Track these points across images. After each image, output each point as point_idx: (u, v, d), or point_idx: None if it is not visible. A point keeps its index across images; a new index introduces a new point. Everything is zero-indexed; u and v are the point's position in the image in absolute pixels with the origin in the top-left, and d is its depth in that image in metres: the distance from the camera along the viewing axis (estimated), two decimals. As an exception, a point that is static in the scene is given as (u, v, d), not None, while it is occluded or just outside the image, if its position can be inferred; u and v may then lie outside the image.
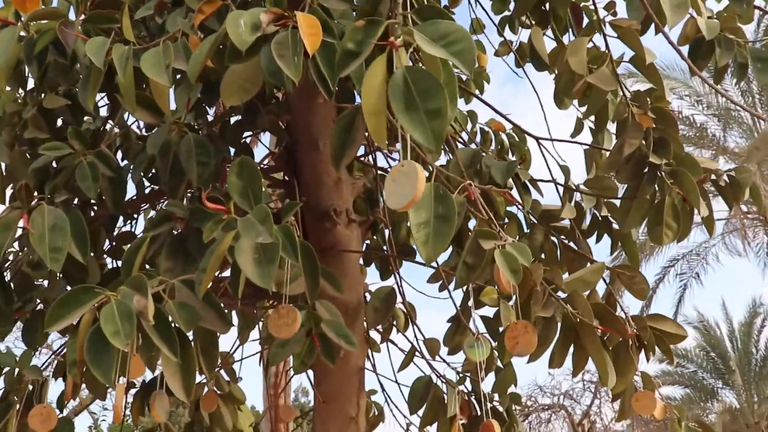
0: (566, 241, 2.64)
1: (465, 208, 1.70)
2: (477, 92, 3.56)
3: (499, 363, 2.76)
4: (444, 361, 2.54)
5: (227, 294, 2.58)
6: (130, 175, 2.28)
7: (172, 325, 1.65)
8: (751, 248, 13.70)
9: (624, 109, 1.92)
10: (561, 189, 2.56)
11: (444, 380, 2.37)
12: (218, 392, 3.20)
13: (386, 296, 2.45)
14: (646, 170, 1.97)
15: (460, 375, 2.44)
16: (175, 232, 1.99)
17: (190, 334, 1.71)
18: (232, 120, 2.62)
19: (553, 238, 2.65)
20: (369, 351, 3.34)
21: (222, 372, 3.28)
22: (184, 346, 1.71)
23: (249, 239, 1.56)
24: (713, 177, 2.27)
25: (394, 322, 3.19)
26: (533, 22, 2.40)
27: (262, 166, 2.70)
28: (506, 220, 2.93)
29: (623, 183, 2.03)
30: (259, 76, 1.67)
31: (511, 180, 2.28)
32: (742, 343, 18.06)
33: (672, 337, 2.52)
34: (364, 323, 2.62)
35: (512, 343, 1.63)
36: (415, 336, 2.73)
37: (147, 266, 2.58)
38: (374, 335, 3.22)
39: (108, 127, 2.43)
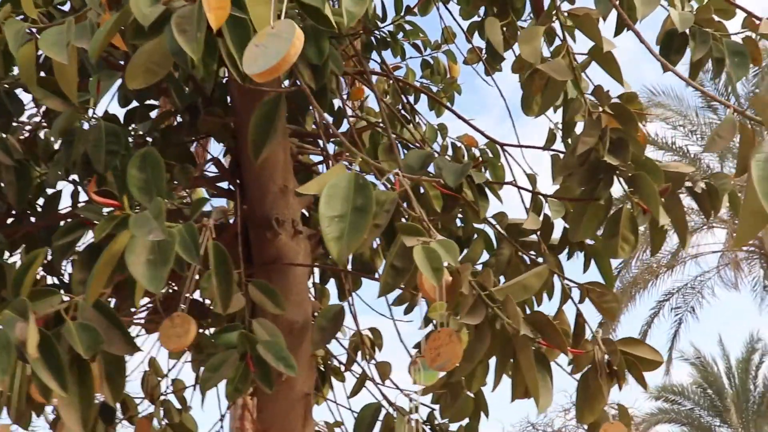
0: (536, 258, 2.42)
1: (395, 204, 1.49)
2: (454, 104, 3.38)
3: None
4: (396, 386, 2.31)
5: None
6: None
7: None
8: (747, 282, 13.47)
9: (580, 105, 1.72)
10: (528, 198, 2.36)
11: (394, 408, 2.14)
12: (166, 422, 2.97)
13: (335, 315, 2.22)
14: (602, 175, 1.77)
15: (414, 402, 2.21)
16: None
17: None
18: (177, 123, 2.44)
19: (522, 254, 2.44)
20: (332, 379, 3.11)
21: (172, 398, 3.04)
22: (82, 373, 1.51)
23: (141, 236, 1.35)
24: (688, 184, 2.06)
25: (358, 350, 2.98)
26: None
27: (206, 173, 2.49)
28: (476, 236, 2.73)
29: (577, 187, 1.82)
30: (168, 56, 1.47)
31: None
32: (739, 379, 17.76)
33: (646, 363, 2.29)
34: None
35: (433, 355, 1.41)
36: (367, 360, 2.50)
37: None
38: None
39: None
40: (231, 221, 2.37)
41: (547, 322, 1.32)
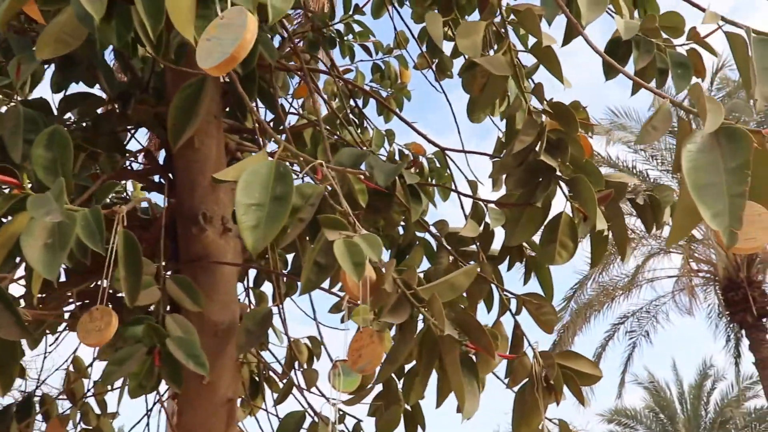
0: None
1: (320, 198, 1.42)
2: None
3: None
4: (322, 394, 2.22)
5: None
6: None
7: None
8: (702, 308, 13.59)
9: (520, 104, 1.66)
10: (470, 205, 2.29)
11: (318, 417, 2.04)
12: (84, 426, 2.85)
13: (262, 319, 2.12)
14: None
15: (341, 413, 2.11)
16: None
17: None
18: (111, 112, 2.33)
19: (461, 264, 2.37)
20: (267, 389, 3.01)
21: (92, 402, 2.91)
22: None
23: (38, 217, 1.25)
24: (631, 196, 2.01)
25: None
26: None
27: (137, 165, 2.39)
28: (417, 243, 2.66)
29: (513, 189, 1.76)
30: (81, 26, 1.38)
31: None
32: (691, 405, 17.92)
33: (585, 378, 2.23)
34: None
35: (355, 357, 1.33)
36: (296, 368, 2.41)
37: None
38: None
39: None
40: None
41: (473, 324, 1.25)
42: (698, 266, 11.95)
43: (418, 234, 2.62)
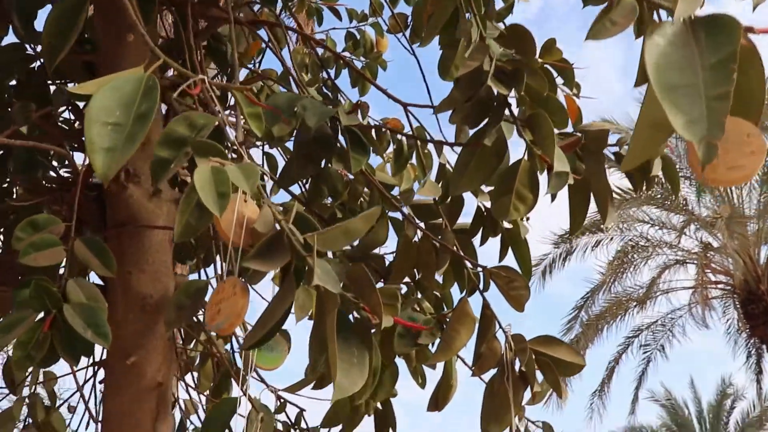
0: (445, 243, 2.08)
1: (211, 129, 1.17)
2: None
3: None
4: (262, 380, 1.95)
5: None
6: None
7: None
8: (721, 324, 13.16)
9: (470, 26, 1.39)
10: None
11: (252, 405, 1.77)
12: (31, 421, 2.59)
13: (196, 292, 1.86)
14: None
15: (281, 401, 1.85)
16: None
17: None
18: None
19: (434, 242, 2.10)
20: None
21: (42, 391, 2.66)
22: None
23: None
24: (615, 149, 1.74)
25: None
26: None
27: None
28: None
29: (459, 125, 1.49)
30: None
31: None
32: (710, 425, 17.41)
33: (564, 366, 1.96)
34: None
35: (213, 312, 1.06)
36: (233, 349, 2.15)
37: None
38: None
39: None
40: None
41: (364, 279, 0.98)
42: (716, 277, 11.55)
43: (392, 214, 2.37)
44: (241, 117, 1.30)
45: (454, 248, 1.90)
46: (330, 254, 2.43)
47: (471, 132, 1.75)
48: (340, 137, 1.77)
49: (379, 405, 2.43)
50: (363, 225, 1.04)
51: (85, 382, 2.16)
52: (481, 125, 1.45)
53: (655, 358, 12.73)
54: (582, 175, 1.62)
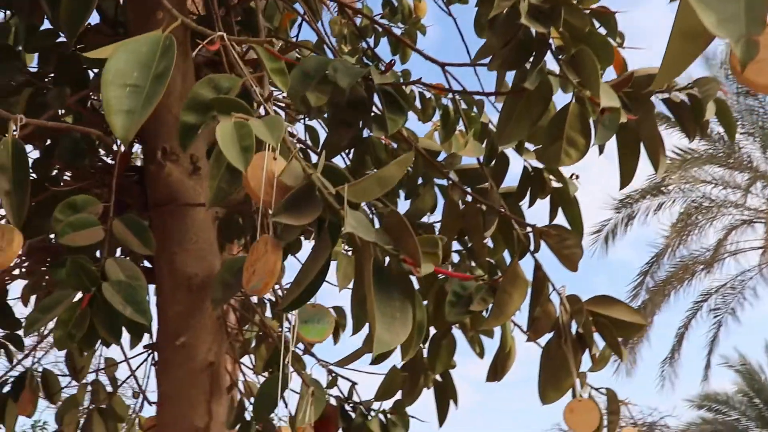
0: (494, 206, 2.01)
1: (238, 90, 1.13)
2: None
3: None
4: (313, 356, 1.91)
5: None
6: None
7: None
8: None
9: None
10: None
11: (302, 378, 1.74)
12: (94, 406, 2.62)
13: (241, 269, 1.83)
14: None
15: (333, 375, 1.81)
16: None
17: None
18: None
19: (480, 204, 2.03)
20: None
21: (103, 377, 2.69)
22: None
23: None
24: (666, 95, 1.64)
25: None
26: None
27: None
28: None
29: (498, 70, 1.41)
30: None
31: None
32: (788, 389, 16.90)
33: (624, 327, 1.87)
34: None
35: (249, 273, 1.02)
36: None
37: None
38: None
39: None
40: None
41: (401, 227, 0.92)
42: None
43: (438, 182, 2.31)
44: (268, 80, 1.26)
45: (501, 209, 1.82)
46: (377, 223, 2.38)
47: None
48: (377, 102, 1.72)
49: (438, 377, 2.39)
50: (397, 171, 0.99)
51: (138, 366, 2.17)
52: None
53: (727, 322, 12.37)
54: (630, 124, 1.53)
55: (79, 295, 1.47)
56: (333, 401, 1.82)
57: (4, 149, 1.19)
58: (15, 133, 1.23)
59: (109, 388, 2.61)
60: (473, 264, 2.31)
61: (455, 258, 2.37)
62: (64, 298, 1.47)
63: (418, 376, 2.38)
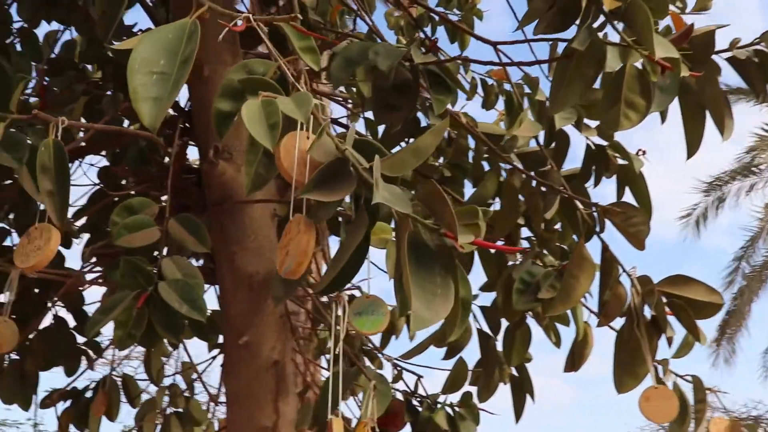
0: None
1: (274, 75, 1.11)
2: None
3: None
4: (375, 348, 1.87)
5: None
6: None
7: None
8: None
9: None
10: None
11: (363, 372, 1.70)
12: (173, 410, 2.66)
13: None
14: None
15: (398, 369, 1.76)
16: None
17: None
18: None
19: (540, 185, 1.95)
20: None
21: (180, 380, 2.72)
22: None
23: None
24: (730, 53, 1.53)
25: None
26: None
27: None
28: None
29: (547, 33, 1.33)
30: None
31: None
32: None
33: (700, 307, 1.76)
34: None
35: (282, 255, 0.98)
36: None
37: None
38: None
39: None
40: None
41: (436, 194, 0.87)
42: None
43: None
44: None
45: (562, 189, 1.74)
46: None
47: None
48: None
49: (514, 371, 2.32)
50: (432, 140, 0.94)
51: (206, 368, 2.17)
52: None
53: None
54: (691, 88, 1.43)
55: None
56: (399, 396, 1.77)
57: (45, 150, 1.19)
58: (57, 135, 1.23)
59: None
60: (545, 252, 2.24)
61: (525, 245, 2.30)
62: (123, 299, 1.48)
63: (493, 370, 2.31)
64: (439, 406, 1.63)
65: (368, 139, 0.99)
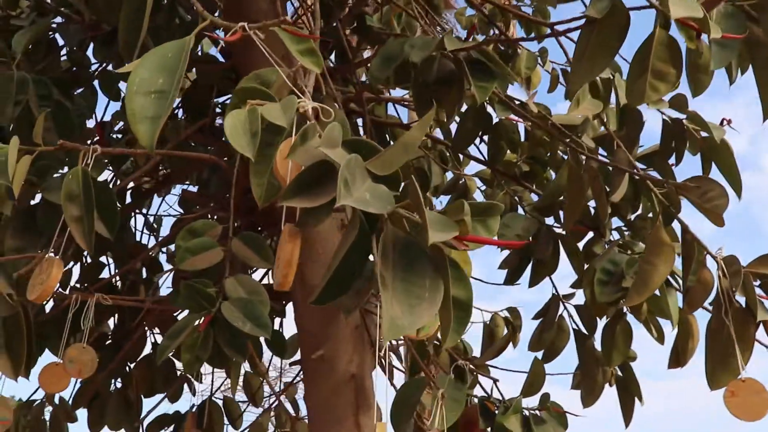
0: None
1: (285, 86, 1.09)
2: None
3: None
4: (450, 354, 1.80)
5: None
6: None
7: None
8: None
9: None
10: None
11: (433, 383, 1.63)
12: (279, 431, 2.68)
13: (370, 271, 1.78)
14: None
15: (474, 374, 1.68)
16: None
17: None
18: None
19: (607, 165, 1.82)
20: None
21: (285, 401, 2.74)
22: None
23: None
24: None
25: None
26: None
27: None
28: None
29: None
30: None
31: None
32: None
33: (798, 292, 1.58)
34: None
35: (275, 268, 0.94)
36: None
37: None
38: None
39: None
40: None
41: (413, 194, 0.80)
42: None
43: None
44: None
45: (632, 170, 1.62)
46: (521, 209, 2.24)
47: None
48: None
49: (618, 371, 2.18)
50: (419, 132, 0.88)
51: (286, 388, 2.16)
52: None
53: None
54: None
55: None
56: (476, 401, 1.70)
57: (74, 179, 1.22)
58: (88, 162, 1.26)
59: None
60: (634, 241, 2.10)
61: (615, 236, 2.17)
62: (190, 322, 1.49)
63: (593, 372, 2.18)
64: (509, 410, 1.54)
65: (362, 138, 0.94)
